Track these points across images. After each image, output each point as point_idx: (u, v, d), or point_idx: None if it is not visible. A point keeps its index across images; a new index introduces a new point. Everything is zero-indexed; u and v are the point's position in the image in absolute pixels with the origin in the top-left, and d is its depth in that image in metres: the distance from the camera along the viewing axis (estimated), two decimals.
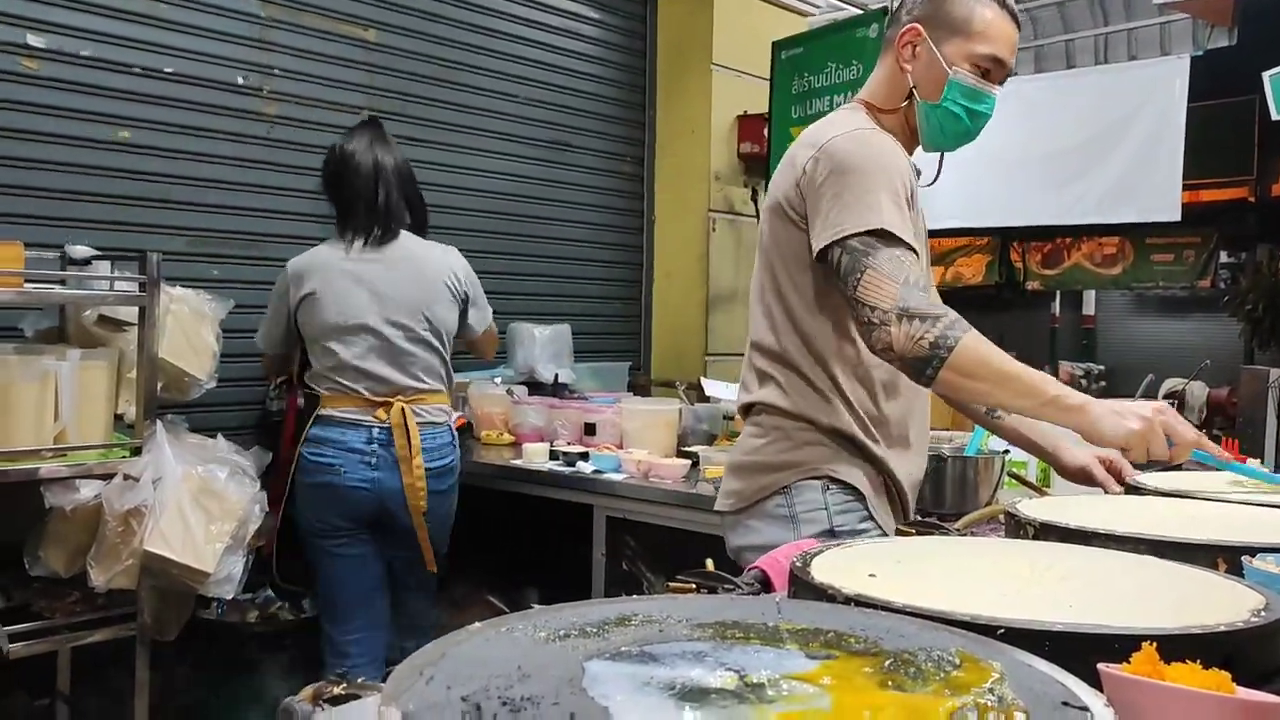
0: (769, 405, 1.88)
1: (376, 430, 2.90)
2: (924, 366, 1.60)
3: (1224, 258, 9.95)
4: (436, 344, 2.99)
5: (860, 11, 4.95)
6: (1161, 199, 6.96)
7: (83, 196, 3.22)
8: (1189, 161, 6.87)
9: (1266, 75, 3.70)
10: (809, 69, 4.47)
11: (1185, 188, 6.93)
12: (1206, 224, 9.43)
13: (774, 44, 4.65)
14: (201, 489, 2.73)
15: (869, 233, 1.67)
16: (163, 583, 2.72)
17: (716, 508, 1.98)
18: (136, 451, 2.70)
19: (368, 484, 2.89)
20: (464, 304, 3.08)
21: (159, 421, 2.75)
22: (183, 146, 3.44)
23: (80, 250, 2.86)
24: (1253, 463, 2.54)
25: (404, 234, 3.01)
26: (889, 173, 1.73)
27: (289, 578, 3.22)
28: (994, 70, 1.84)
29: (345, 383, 2.93)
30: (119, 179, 3.30)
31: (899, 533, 1.59)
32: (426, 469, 2.92)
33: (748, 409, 1.95)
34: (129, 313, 2.79)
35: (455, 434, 3.09)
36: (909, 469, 1.92)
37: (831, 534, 1.78)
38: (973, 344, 1.59)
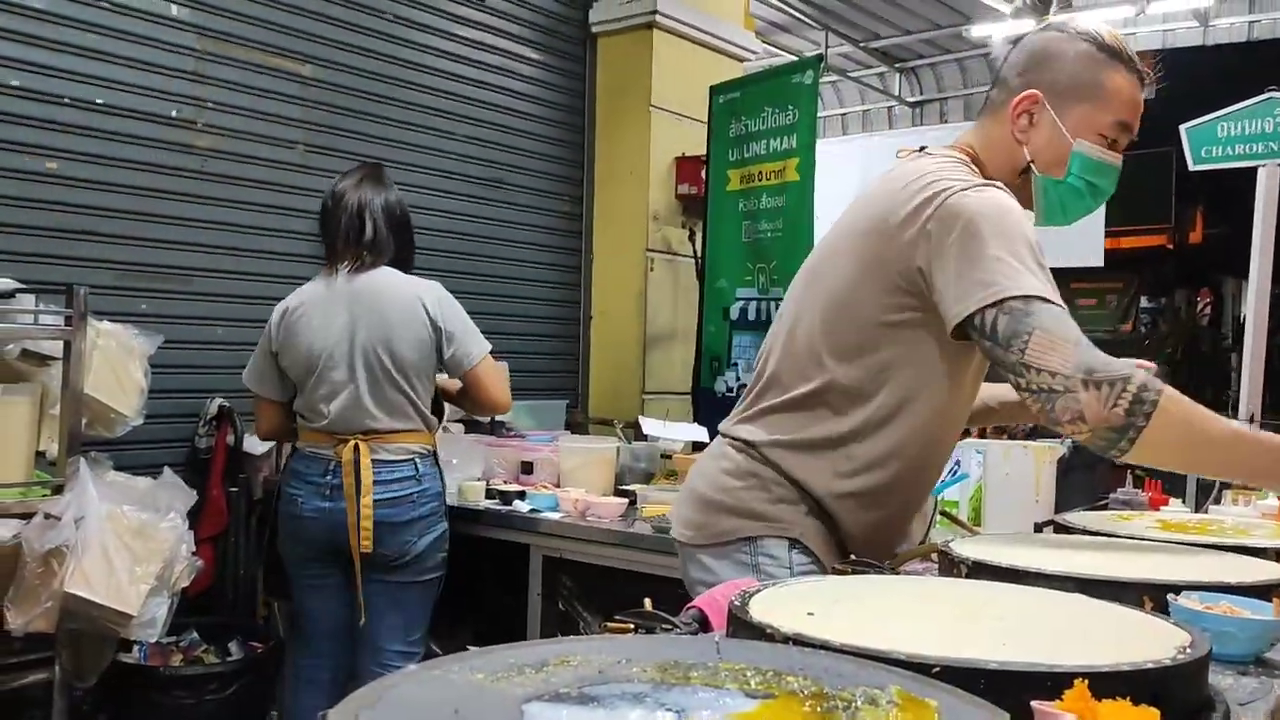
0: (759, 452, 1.74)
1: (333, 464, 2.88)
2: (1118, 438, 1.42)
3: (1144, 303, 10.29)
4: (401, 381, 2.90)
5: (795, 59, 5.05)
6: (1085, 245, 7.16)
7: (8, 228, 3.14)
8: (1111, 209, 7.10)
9: (1183, 128, 3.85)
10: (746, 113, 4.53)
11: (1107, 235, 7.16)
12: (1127, 270, 9.76)
13: (712, 88, 4.71)
14: (126, 529, 2.66)
15: (1024, 297, 1.47)
16: (84, 625, 2.64)
17: (674, 534, 1.88)
18: (59, 490, 2.62)
19: (318, 514, 2.88)
20: (438, 338, 2.95)
21: (83, 459, 2.67)
22: (113, 179, 3.38)
23: (3, 283, 2.79)
24: (1174, 502, 2.62)
25: (384, 269, 2.95)
26: (1028, 237, 1.54)
27: (275, 591, 3.31)
28: (1120, 138, 1.67)
29: (313, 419, 2.92)
30: (46, 211, 3.23)
31: (834, 571, 1.60)
32: (381, 500, 2.85)
33: (732, 439, 1.80)
34: (54, 347, 2.72)
35: (428, 470, 2.96)
36: (878, 526, 1.78)
37: None
38: (1173, 408, 1.41)
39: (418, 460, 2.94)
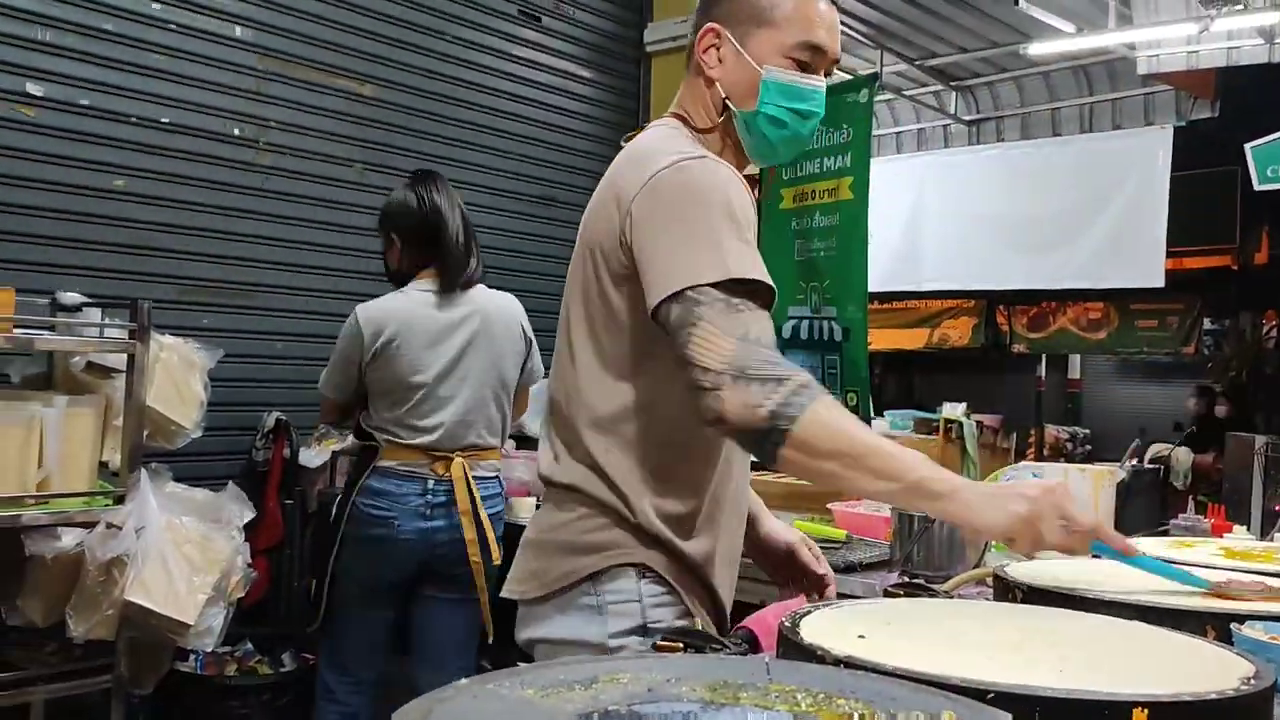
0: (569, 485, 1.55)
1: (433, 483, 2.84)
2: (762, 440, 1.31)
3: (1207, 324, 10.06)
4: (504, 399, 2.97)
5: (850, 77, 5.02)
6: (1145, 265, 7.05)
7: (76, 244, 3.23)
8: (1172, 229, 6.94)
9: (1249, 146, 3.77)
10: None
11: (1169, 255, 7.03)
12: (1190, 291, 9.57)
13: None
14: (185, 539, 2.70)
15: (711, 283, 1.38)
16: (142, 634, 2.68)
17: (506, 594, 1.62)
18: (120, 500, 2.67)
19: (417, 534, 2.84)
20: (526, 352, 3.03)
21: (144, 470, 2.73)
22: (177, 196, 3.46)
23: (71, 297, 2.85)
24: (1239, 528, 2.56)
25: (478, 285, 2.98)
26: (729, 207, 1.45)
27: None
28: (814, 60, 1.57)
29: (409, 436, 2.86)
30: (113, 227, 3.32)
31: (887, 594, 1.58)
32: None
33: (547, 481, 1.61)
34: (117, 360, 2.78)
35: (503, 487, 3.05)
36: (720, 551, 1.61)
37: (644, 630, 1.50)
38: (823, 414, 1.29)
39: (500, 477, 3.01)
